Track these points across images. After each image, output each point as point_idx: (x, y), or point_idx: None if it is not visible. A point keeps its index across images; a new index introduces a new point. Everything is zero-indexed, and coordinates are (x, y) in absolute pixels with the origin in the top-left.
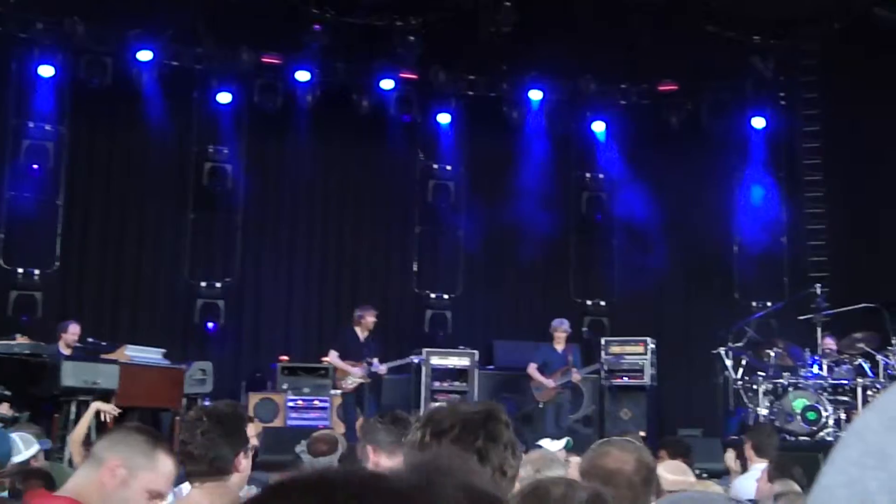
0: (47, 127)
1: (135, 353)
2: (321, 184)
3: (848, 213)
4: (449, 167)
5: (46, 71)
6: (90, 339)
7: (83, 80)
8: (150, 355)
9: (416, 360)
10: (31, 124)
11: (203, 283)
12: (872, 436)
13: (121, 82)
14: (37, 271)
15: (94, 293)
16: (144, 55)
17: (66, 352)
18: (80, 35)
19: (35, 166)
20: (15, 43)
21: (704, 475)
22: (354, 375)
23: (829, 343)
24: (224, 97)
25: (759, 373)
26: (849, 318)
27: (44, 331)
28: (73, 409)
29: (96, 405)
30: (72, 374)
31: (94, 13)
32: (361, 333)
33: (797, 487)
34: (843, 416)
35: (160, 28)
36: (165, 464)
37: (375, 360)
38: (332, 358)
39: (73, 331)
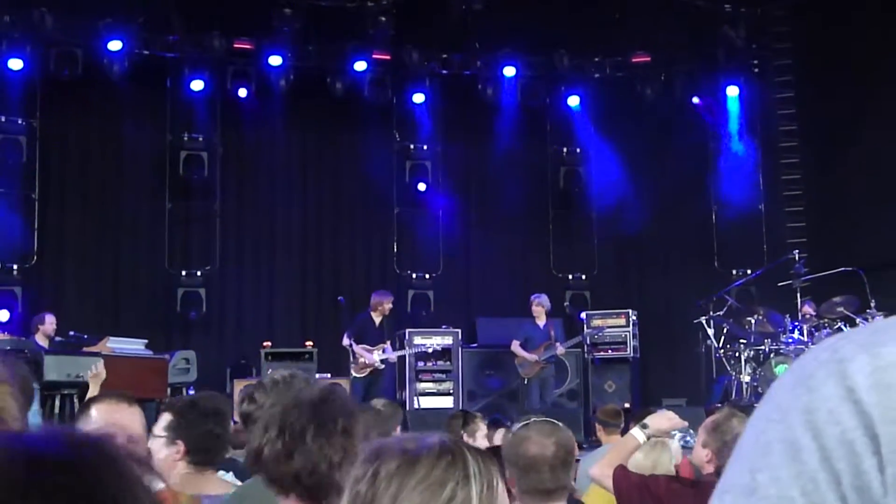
0: (19, 121)
1: (117, 344)
2: (298, 168)
3: (824, 178)
4: (425, 147)
5: (16, 64)
6: (72, 333)
7: (54, 72)
8: (133, 346)
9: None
10: (2, 118)
11: (183, 273)
12: (781, 392)
13: (92, 73)
14: (15, 266)
15: (74, 286)
16: (115, 45)
17: (44, 344)
18: (49, 27)
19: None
20: None
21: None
22: (368, 361)
23: (808, 309)
24: (197, 85)
25: (741, 340)
26: (828, 283)
27: (25, 326)
28: (57, 402)
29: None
30: (55, 369)
31: (62, 4)
32: (377, 319)
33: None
34: None
35: (130, 17)
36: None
37: (387, 346)
38: (346, 342)
39: (50, 321)
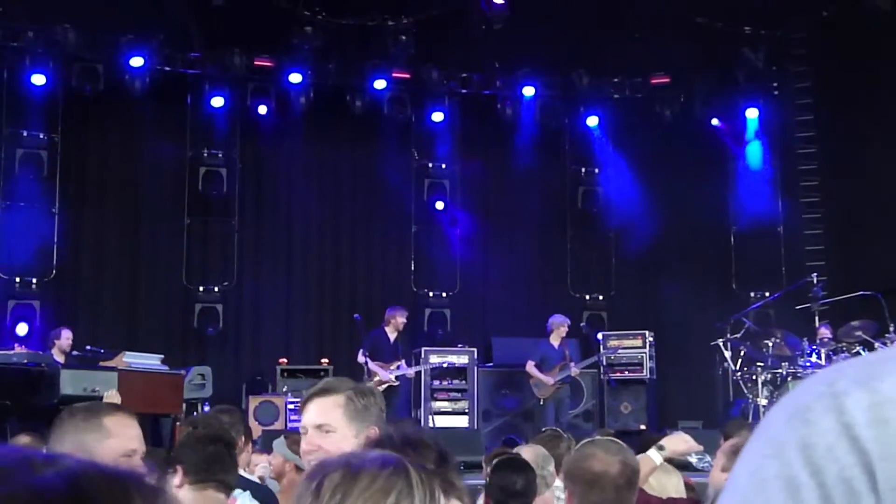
0: (41, 135)
1: (133, 359)
2: (316, 185)
3: (844, 202)
4: (444, 165)
5: (38, 79)
6: (88, 347)
7: (75, 87)
8: (149, 361)
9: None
10: (24, 133)
11: (201, 288)
12: (775, 426)
13: (113, 89)
14: (34, 280)
15: (92, 301)
16: (136, 61)
17: (61, 358)
18: (72, 42)
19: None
20: (6, 52)
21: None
22: (383, 378)
23: (825, 332)
24: (217, 101)
25: (758, 363)
26: (846, 307)
27: (43, 340)
28: None
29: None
30: (70, 383)
31: (84, 20)
32: (391, 334)
33: None
34: None
35: (151, 34)
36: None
37: (402, 363)
38: (361, 358)
39: (66, 336)
